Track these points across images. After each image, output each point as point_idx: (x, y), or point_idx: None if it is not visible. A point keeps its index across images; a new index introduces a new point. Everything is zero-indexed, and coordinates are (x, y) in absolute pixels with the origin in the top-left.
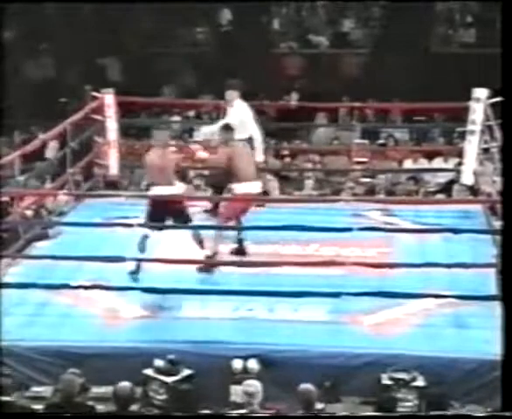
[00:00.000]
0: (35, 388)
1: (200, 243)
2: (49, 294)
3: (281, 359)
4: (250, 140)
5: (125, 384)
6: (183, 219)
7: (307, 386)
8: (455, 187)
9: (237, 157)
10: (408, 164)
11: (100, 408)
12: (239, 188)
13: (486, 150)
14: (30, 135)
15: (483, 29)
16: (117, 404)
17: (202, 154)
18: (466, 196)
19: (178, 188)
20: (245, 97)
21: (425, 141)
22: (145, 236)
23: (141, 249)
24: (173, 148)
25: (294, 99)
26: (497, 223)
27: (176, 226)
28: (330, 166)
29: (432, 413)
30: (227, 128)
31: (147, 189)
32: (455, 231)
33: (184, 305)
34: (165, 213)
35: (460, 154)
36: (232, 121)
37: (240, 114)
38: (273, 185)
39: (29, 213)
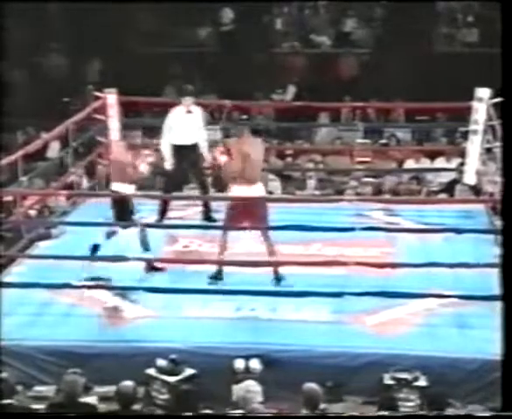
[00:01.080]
0: (37, 388)
1: (143, 244)
2: (52, 294)
3: (284, 359)
4: (195, 147)
5: (128, 383)
6: (126, 216)
7: (311, 385)
8: (458, 187)
9: (243, 155)
10: (410, 164)
11: (103, 407)
12: (235, 191)
13: (488, 150)
14: (27, 136)
15: (485, 28)
16: (120, 403)
17: (221, 158)
18: (468, 196)
19: (130, 188)
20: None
21: (428, 141)
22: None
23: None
24: (126, 146)
25: (291, 92)
26: (499, 223)
27: (183, 225)
28: (332, 165)
29: (433, 413)
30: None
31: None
32: (458, 231)
33: (186, 304)
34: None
35: (462, 154)
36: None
37: (197, 121)
38: (276, 185)
39: (32, 213)
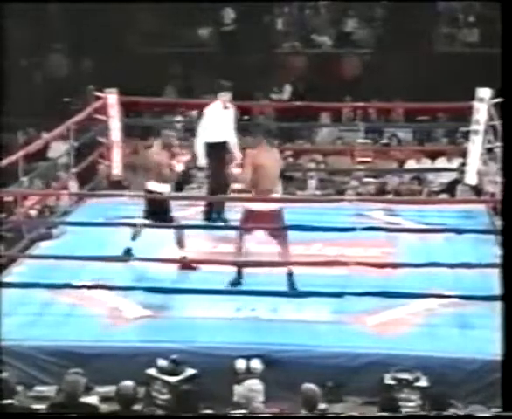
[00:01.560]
0: (38, 388)
1: (179, 242)
2: (52, 294)
3: (284, 359)
4: (226, 144)
5: (128, 383)
6: (163, 217)
7: (309, 385)
8: (459, 187)
9: (258, 167)
10: (411, 164)
11: (104, 407)
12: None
13: (489, 150)
14: (28, 136)
15: (486, 28)
16: (120, 403)
17: (235, 170)
18: (469, 196)
19: (166, 187)
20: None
21: (429, 141)
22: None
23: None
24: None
25: (287, 92)
26: (500, 223)
27: (191, 226)
28: (333, 165)
29: (434, 413)
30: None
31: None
32: (458, 231)
33: (187, 304)
34: (151, 210)
35: (463, 154)
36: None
37: (232, 117)
38: None
39: (33, 213)
